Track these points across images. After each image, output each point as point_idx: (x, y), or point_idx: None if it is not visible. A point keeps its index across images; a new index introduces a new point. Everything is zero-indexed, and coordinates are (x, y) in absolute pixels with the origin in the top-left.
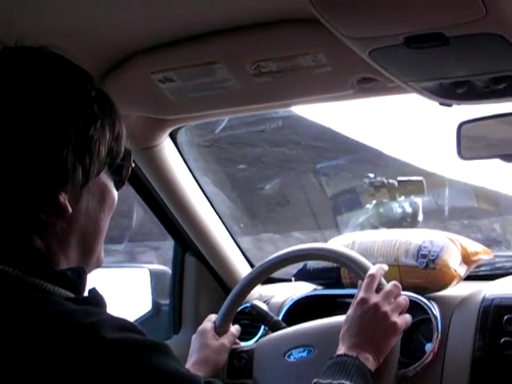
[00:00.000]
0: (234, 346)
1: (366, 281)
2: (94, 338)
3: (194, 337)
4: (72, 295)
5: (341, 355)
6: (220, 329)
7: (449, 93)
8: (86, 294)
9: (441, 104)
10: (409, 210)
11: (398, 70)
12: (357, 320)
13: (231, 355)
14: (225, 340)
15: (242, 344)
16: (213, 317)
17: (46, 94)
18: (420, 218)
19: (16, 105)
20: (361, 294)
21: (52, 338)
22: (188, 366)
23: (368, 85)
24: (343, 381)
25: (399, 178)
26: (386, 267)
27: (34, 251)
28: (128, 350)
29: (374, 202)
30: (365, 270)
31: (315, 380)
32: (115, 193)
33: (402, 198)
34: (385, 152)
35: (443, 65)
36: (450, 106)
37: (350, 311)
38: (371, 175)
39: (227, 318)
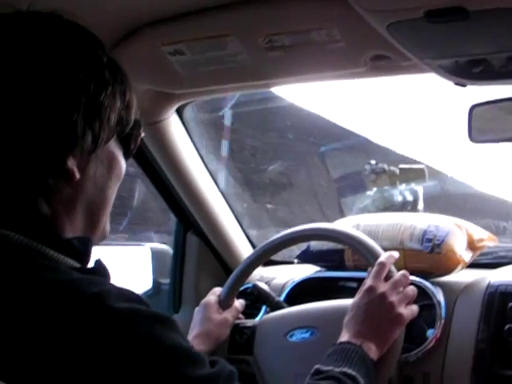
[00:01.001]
0: (237, 321)
1: (375, 268)
2: (99, 307)
3: (196, 309)
4: (77, 265)
5: (344, 342)
6: (224, 303)
7: (464, 72)
8: (91, 264)
9: (455, 84)
10: (409, 197)
11: (415, 46)
12: (363, 308)
13: (233, 330)
14: (228, 314)
15: (245, 320)
16: (217, 290)
17: (58, 58)
18: (420, 206)
19: (27, 68)
20: (369, 282)
21: (56, 306)
22: (189, 338)
23: (381, 62)
24: (345, 369)
25: (401, 166)
26: (396, 255)
27: (40, 217)
28: (133, 321)
29: (375, 188)
30: (375, 255)
31: (317, 366)
32: (123, 162)
33: (403, 185)
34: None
35: (461, 41)
36: (464, 86)
37: (356, 298)
38: (373, 161)
39: (232, 292)
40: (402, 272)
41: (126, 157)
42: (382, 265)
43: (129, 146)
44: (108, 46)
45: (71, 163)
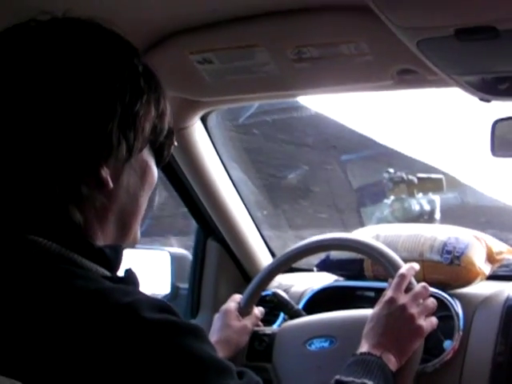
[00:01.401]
0: (256, 329)
1: (396, 280)
2: (132, 316)
3: (216, 316)
4: (108, 273)
5: (364, 353)
6: (244, 309)
7: (490, 88)
8: (121, 273)
9: (480, 99)
10: (426, 207)
11: (443, 62)
12: (383, 319)
13: (252, 337)
14: (247, 322)
15: (264, 327)
16: (237, 297)
17: (94, 66)
18: (437, 215)
19: (64, 75)
20: (389, 293)
21: (88, 316)
22: None
23: (408, 76)
24: (365, 380)
25: (419, 175)
26: (417, 267)
27: (72, 225)
28: (166, 332)
29: (392, 197)
30: (396, 267)
31: (337, 377)
32: (155, 171)
33: (421, 194)
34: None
35: (490, 58)
36: (489, 101)
37: (376, 309)
38: (391, 170)
39: (252, 300)
40: (422, 284)
41: (159, 165)
42: (403, 276)
43: (162, 154)
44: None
45: (105, 172)
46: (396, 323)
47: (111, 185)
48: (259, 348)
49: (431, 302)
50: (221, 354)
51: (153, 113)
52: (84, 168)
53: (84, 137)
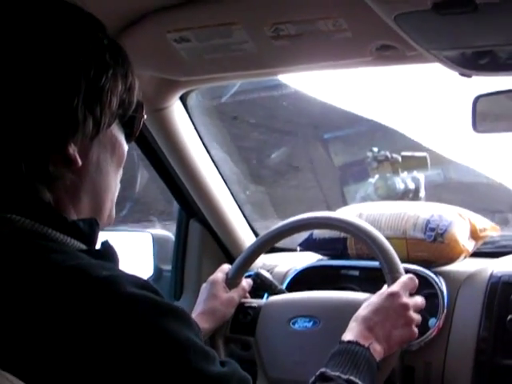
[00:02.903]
0: (242, 300)
1: (404, 279)
2: (112, 290)
3: (203, 286)
4: (84, 247)
5: (351, 342)
6: (231, 281)
7: (470, 63)
8: (98, 246)
9: (461, 74)
10: (411, 185)
11: (422, 37)
12: (382, 310)
13: (237, 309)
14: (234, 294)
15: (251, 300)
16: (226, 267)
17: (57, 41)
18: (422, 194)
19: (25, 51)
20: (395, 288)
21: (66, 290)
22: (194, 315)
23: (387, 52)
24: (352, 377)
25: (403, 153)
26: (416, 282)
27: (42, 203)
28: (146, 309)
29: (377, 176)
30: (396, 268)
31: (322, 370)
32: (125, 146)
33: (405, 173)
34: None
35: (469, 33)
36: (469, 76)
37: (376, 297)
38: (375, 149)
39: (241, 271)
40: (410, 276)
41: (129, 139)
42: (412, 281)
43: (132, 128)
44: (113, 33)
45: (72, 149)
46: (394, 318)
47: (80, 162)
48: (243, 321)
49: (421, 299)
50: (206, 325)
51: (120, 87)
52: (50, 146)
53: (48, 114)
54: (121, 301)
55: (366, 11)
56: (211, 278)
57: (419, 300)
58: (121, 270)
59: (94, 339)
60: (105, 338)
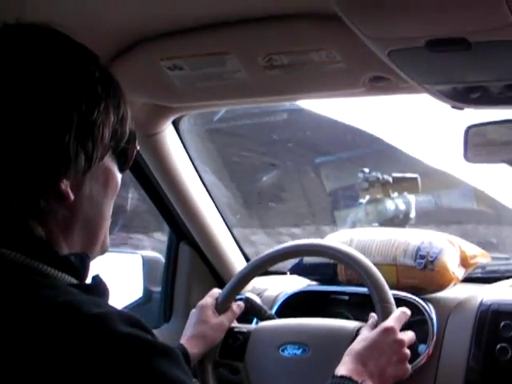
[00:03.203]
0: (232, 325)
1: (398, 314)
2: (103, 328)
3: (192, 311)
4: (75, 281)
5: (344, 377)
6: (221, 306)
7: (462, 97)
8: (89, 280)
9: (453, 107)
10: (402, 206)
11: (414, 72)
12: (377, 345)
13: (227, 334)
14: (224, 318)
15: (240, 325)
16: (216, 292)
17: (47, 75)
18: (412, 215)
19: (14, 86)
20: (391, 323)
21: (57, 327)
22: (183, 340)
23: (379, 84)
24: None
25: (394, 175)
26: (409, 315)
27: (33, 237)
28: (138, 349)
29: (368, 197)
30: (369, 273)
31: None
32: (119, 176)
33: (396, 194)
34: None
35: (461, 69)
36: (461, 109)
37: (371, 333)
38: (366, 170)
39: (231, 296)
40: (403, 309)
41: (122, 169)
42: (406, 314)
43: (125, 158)
44: (106, 60)
45: (64, 185)
46: (388, 354)
47: (72, 197)
48: (233, 345)
49: (412, 334)
50: (195, 350)
51: (112, 119)
52: (42, 183)
53: (39, 151)
54: (112, 339)
55: (359, 44)
56: (201, 302)
57: (412, 335)
58: (112, 307)
59: (84, 378)
60: (95, 378)
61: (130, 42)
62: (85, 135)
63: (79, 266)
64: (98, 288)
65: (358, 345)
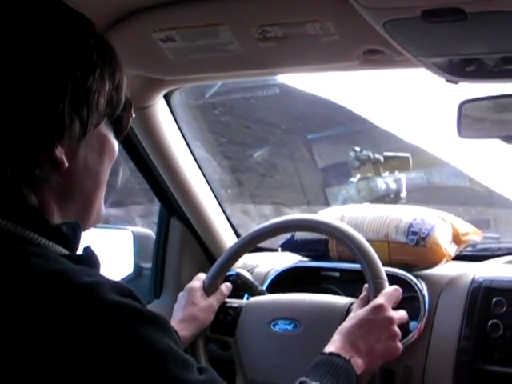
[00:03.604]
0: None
1: (390, 291)
2: (93, 297)
3: (180, 294)
4: (66, 252)
5: (333, 354)
6: (209, 288)
7: (457, 70)
8: (80, 251)
9: (447, 81)
10: (392, 185)
11: (410, 44)
12: (366, 323)
13: (218, 309)
14: (213, 299)
15: (232, 300)
16: (202, 275)
17: (42, 41)
18: (403, 194)
19: (9, 51)
20: (381, 301)
21: (46, 296)
22: (173, 323)
23: (374, 57)
24: None
25: (385, 154)
26: (401, 292)
27: (27, 206)
28: (127, 316)
29: (358, 176)
30: (362, 249)
31: (303, 379)
32: (115, 143)
33: (387, 173)
34: (378, 125)
35: (457, 41)
36: (456, 83)
37: (362, 310)
38: (357, 149)
39: (217, 278)
40: (395, 287)
41: (118, 137)
42: (397, 292)
43: (121, 126)
44: (99, 30)
45: (59, 152)
46: (377, 332)
47: (67, 164)
48: (224, 321)
49: (404, 313)
50: (185, 332)
51: (107, 86)
52: (36, 149)
53: (34, 117)
54: (102, 308)
55: (354, 16)
56: (189, 285)
57: (403, 314)
58: (103, 276)
59: (74, 346)
60: (84, 345)
61: (123, 12)
62: (79, 102)
63: (70, 235)
64: (90, 259)
65: (347, 323)
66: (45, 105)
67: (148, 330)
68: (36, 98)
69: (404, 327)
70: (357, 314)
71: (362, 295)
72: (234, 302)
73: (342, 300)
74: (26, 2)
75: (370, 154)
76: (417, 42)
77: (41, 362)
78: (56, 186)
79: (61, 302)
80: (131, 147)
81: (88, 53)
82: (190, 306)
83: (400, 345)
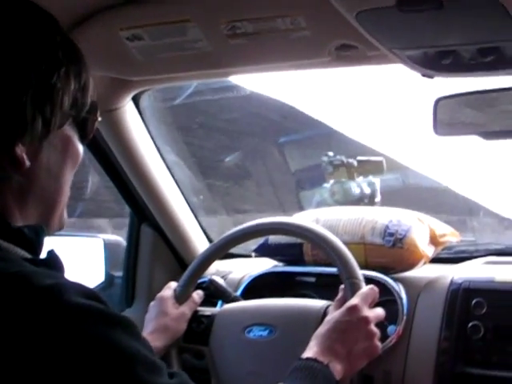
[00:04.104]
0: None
1: (365, 290)
2: (55, 300)
3: (151, 304)
4: (29, 255)
5: (311, 359)
6: (180, 297)
7: (433, 63)
8: (43, 255)
9: (423, 75)
10: (367, 190)
11: (384, 36)
12: (342, 325)
13: (191, 318)
14: (185, 308)
15: (205, 308)
16: (173, 284)
17: (6, 35)
18: (378, 198)
19: None
20: (355, 301)
21: (8, 299)
22: (145, 333)
23: (346, 52)
24: None
25: (359, 158)
26: (377, 292)
27: None
28: (92, 320)
29: (332, 181)
30: (354, 274)
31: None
32: (80, 146)
33: (361, 178)
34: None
35: (433, 31)
36: (431, 77)
37: (336, 313)
38: (330, 153)
39: (188, 286)
40: (371, 286)
41: (83, 140)
42: (373, 291)
43: (85, 129)
44: (65, 29)
45: (20, 150)
46: (354, 333)
47: (28, 163)
48: (197, 329)
49: (380, 310)
50: (158, 342)
51: (73, 86)
52: None
53: None
54: (65, 310)
55: (325, 9)
56: (159, 295)
57: (380, 311)
58: (66, 279)
59: (36, 350)
60: (48, 350)
61: (88, 10)
62: (43, 98)
63: (33, 238)
64: (53, 262)
65: (323, 327)
66: (6, 99)
67: (115, 332)
68: None
69: (382, 331)
70: (332, 316)
71: (339, 297)
72: (207, 310)
73: (318, 303)
74: None
75: (344, 158)
76: (391, 34)
77: (2, 366)
78: (17, 187)
79: (23, 305)
80: (99, 151)
81: (53, 49)
82: (161, 316)
83: (379, 343)
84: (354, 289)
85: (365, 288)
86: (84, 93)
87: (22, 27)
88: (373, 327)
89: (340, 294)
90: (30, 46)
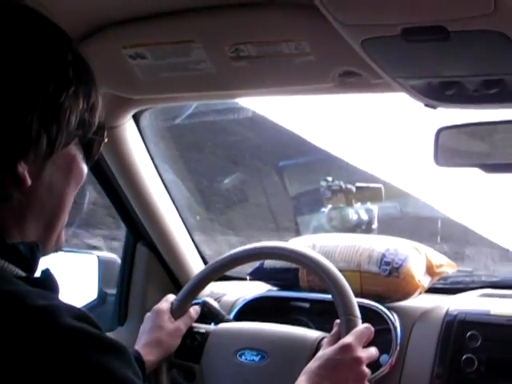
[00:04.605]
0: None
1: (361, 329)
2: (48, 321)
3: (147, 316)
4: (23, 274)
5: None
6: (177, 310)
7: (436, 93)
8: (38, 274)
9: (426, 105)
10: (364, 216)
11: (388, 64)
12: (333, 363)
13: (185, 334)
14: (181, 323)
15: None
16: (171, 297)
17: (17, 51)
18: (375, 225)
19: None
20: (349, 340)
21: (1, 318)
22: (138, 346)
23: (350, 79)
24: None
25: (357, 184)
26: (372, 331)
27: None
28: (85, 343)
29: (330, 206)
30: (351, 311)
31: None
32: (84, 166)
33: (359, 204)
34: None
35: (438, 62)
36: (434, 108)
37: (329, 349)
38: (329, 178)
39: (187, 300)
40: (367, 325)
41: (88, 161)
42: (368, 331)
43: (91, 150)
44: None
45: (22, 168)
46: (345, 373)
47: (29, 182)
48: (190, 346)
49: (374, 350)
50: (150, 356)
51: (81, 105)
52: None
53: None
54: (59, 333)
55: (330, 35)
56: (156, 307)
57: (373, 351)
58: (60, 300)
59: (28, 372)
60: (40, 372)
61: (92, 27)
62: (49, 117)
63: (28, 256)
64: (47, 282)
65: (313, 363)
66: (11, 116)
67: (108, 358)
68: (3, 108)
69: (375, 360)
70: (324, 353)
71: (333, 332)
72: (202, 327)
73: (313, 334)
74: (6, 12)
75: (342, 184)
76: (395, 63)
77: None
78: (17, 205)
79: (15, 325)
80: (97, 168)
81: (64, 68)
82: (156, 330)
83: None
84: (349, 326)
85: (361, 326)
86: (92, 113)
87: (34, 43)
88: (364, 368)
89: (334, 329)
90: (39, 64)
